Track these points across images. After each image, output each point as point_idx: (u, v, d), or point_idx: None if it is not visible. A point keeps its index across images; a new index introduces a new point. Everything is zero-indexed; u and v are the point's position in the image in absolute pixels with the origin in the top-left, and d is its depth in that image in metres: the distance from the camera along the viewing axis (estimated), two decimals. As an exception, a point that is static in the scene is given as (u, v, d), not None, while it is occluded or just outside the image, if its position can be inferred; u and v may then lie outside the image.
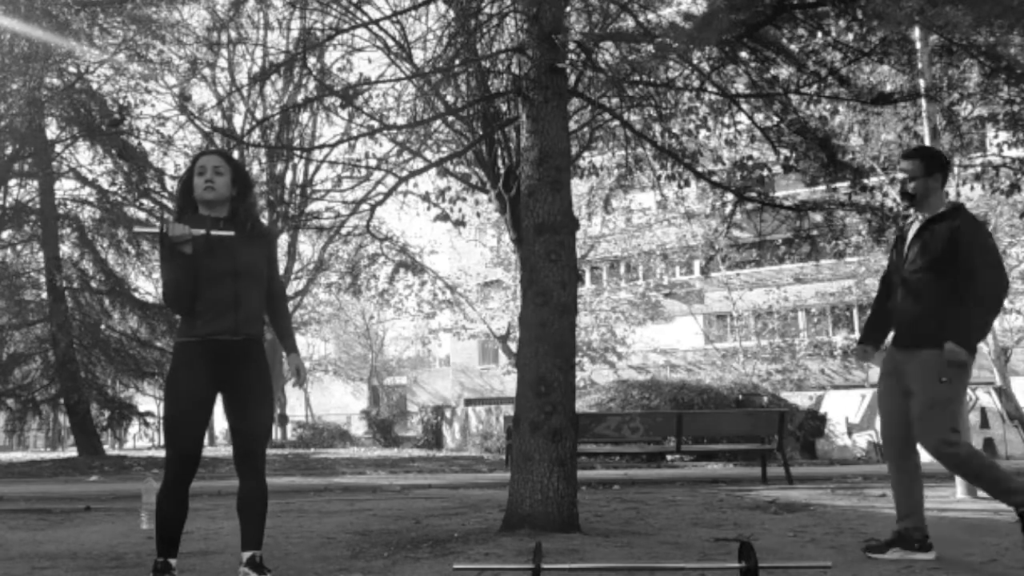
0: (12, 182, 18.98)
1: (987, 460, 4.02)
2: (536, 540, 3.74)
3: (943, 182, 4.13)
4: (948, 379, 3.87)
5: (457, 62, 6.99)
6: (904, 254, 4.13)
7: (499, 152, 9.07)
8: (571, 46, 5.67)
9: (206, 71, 20.14)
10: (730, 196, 7.03)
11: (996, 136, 6.81)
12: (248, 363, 3.49)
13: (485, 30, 7.01)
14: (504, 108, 7.96)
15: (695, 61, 6.17)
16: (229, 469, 9.29)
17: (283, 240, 22.88)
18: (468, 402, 31.93)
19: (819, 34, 5.71)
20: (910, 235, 4.15)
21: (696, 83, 6.54)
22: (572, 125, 7.32)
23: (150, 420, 20.42)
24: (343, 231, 15.67)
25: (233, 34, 16.59)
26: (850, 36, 5.77)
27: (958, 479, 7.33)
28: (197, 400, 3.43)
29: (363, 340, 44.72)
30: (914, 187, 4.09)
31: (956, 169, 10.46)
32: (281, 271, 23.97)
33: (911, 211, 4.28)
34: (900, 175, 4.18)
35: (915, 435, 3.98)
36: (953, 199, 4.39)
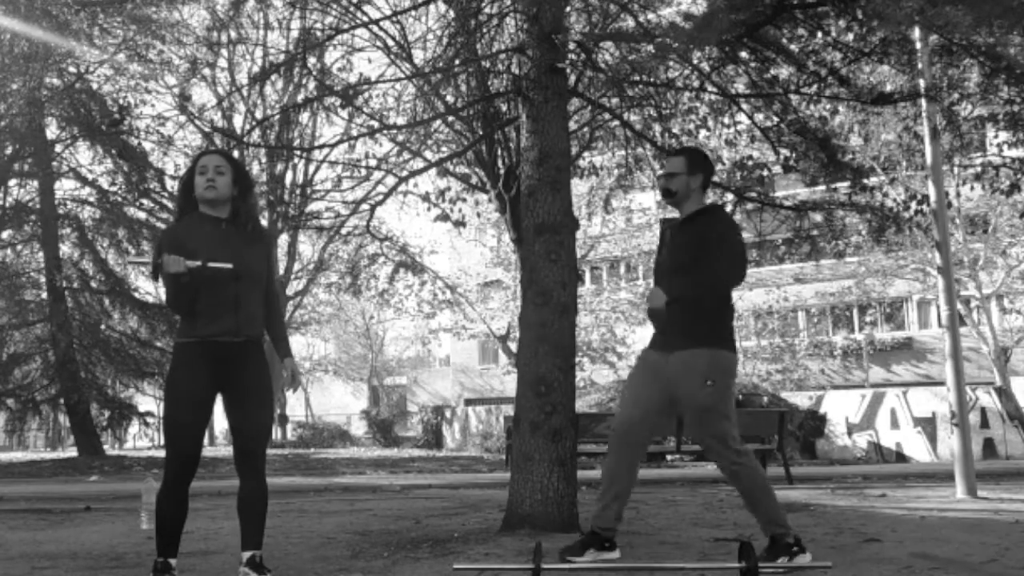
0: (12, 182, 18.99)
1: (767, 482, 3.86)
2: (536, 540, 3.74)
3: (705, 183, 4.09)
4: (713, 382, 3.76)
5: (457, 62, 6.99)
6: (663, 255, 4.06)
7: (499, 152, 9.05)
8: (571, 46, 5.67)
9: (206, 71, 20.14)
10: (730, 196, 7.03)
11: (996, 136, 6.80)
12: (248, 364, 3.49)
13: (485, 30, 7.00)
14: (504, 108, 7.95)
15: (695, 61, 6.16)
16: (229, 469, 9.29)
17: (283, 240, 22.87)
18: (468, 402, 31.97)
19: (819, 34, 5.70)
20: (671, 236, 4.07)
21: (696, 83, 6.53)
22: (572, 125, 7.32)
23: (150, 420, 20.44)
24: (343, 231, 15.68)
25: (233, 34, 16.60)
26: (850, 36, 5.76)
27: (958, 479, 7.34)
28: (197, 400, 3.43)
29: (363, 340, 44.71)
30: (676, 184, 4.03)
31: (956, 169, 10.45)
32: (281, 271, 24.08)
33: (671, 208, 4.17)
34: (661, 171, 4.12)
35: (699, 444, 3.85)
36: (713, 201, 4.27)
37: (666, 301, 3.80)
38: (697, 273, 3.84)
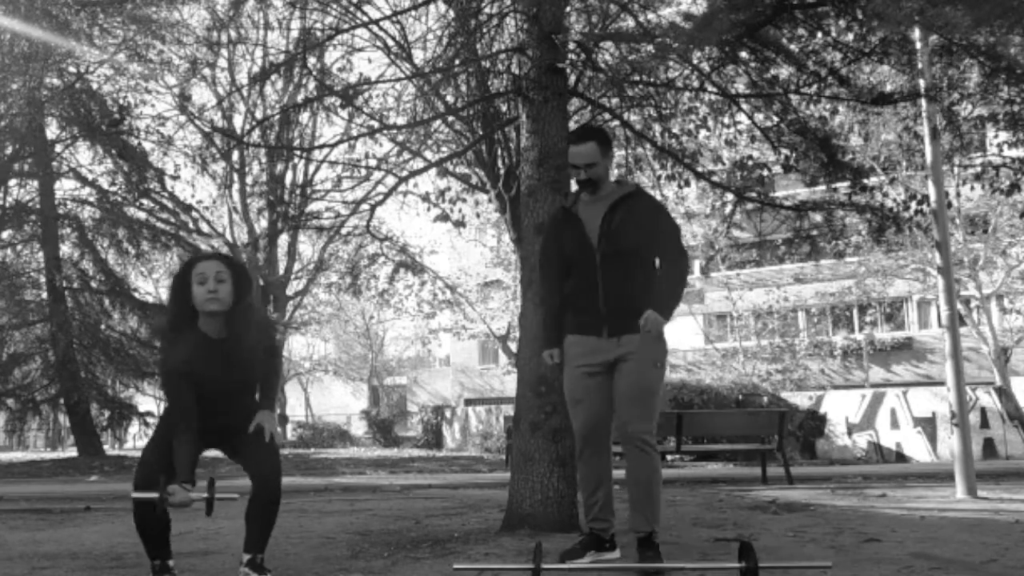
0: (12, 182, 18.99)
1: (661, 482, 3.85)
2: (536, 540, 3.74)
3: (612, 159, 4.08)
4: (660, 365, 3.77)
5: (457, 62, 6.99)
6: (588, 236, 3.87)
7: (499, 152, 9.06)
8: (571, 46, 5.67)
9: (206, 71, 20.17)
10: (730, 196, 7.02)
11: (996, 136, 6.81)
12: (243, 423, 3.53)
13: (485, 30, 7.00)
14: (504, 108, 7.95)
15: (695, 61, 6.16)
16: (229, 469, 9.29)
17: (283, 240, 22.89)
18: (468, 402, 31.98)
19: (819, 34, 5.71)
20: (593, 216, 3.88)
21: (696, 83, 6.53)
22: (572, 125, 7.32)
23: (150, 420, 20.43)
24: (343, 231, 15.73)
25: (233, 34, 16.63)
26: (850, 36, 5.77)
27: (958, 479, 7.34)
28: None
29: (363, 340, 44.72)
30: (596, 173, 3.88)
31: (956, 169, 10.44)
32: (281, 271, 23.95)
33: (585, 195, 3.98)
34: (576, 162, 3.90)
35: (622, 417, 3.77)
36: (628, 178, 4.18)
37: (645, 319, 3.75)
38: (666, 272, 3.83)
